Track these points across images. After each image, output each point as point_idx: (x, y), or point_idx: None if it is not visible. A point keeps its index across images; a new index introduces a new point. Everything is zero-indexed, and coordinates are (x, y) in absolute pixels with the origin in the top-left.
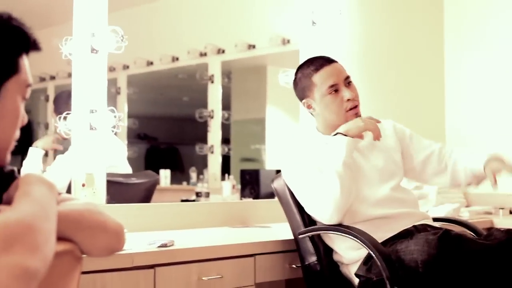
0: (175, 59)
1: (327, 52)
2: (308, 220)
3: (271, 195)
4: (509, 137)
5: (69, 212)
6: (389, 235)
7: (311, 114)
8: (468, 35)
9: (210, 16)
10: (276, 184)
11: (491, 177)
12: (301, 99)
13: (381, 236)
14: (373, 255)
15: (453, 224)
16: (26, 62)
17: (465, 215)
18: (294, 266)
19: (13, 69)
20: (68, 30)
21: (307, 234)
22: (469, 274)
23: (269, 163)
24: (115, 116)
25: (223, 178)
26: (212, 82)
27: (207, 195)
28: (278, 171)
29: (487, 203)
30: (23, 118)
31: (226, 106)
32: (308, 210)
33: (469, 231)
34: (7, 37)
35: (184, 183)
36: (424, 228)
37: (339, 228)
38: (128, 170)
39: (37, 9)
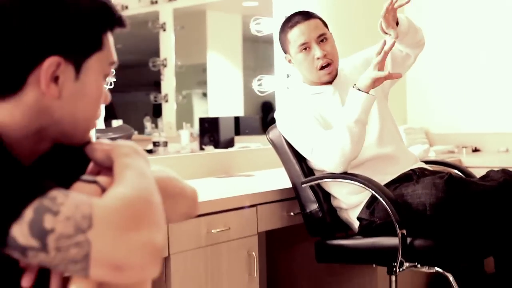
0: (124, 7)
1: None
2: (307, 169)
3: (230, 143)
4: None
5: (156, 181)
6: (389, 179)
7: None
8: None
9: None
10: (272, 135)
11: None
12: (284, 53)
13: (381, 179)
14: (381, 199)
15: (443, 166)
16: (111, 39)
17: (431, 155)
18: (292, 214)
19: (97, 45)
20: None
21: (311, 183)
22: (473, 216)
23: (212, 109)
24: None
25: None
26: (164, 30)
27: (165, 144)
28: (237, 118)
29: (448, 143)
30: (106, 97)
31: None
32: (311, 159)
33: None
34: (92, 13)
35: (135, 132)
36: (422, 171)
37: (346, 176)
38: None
39: None
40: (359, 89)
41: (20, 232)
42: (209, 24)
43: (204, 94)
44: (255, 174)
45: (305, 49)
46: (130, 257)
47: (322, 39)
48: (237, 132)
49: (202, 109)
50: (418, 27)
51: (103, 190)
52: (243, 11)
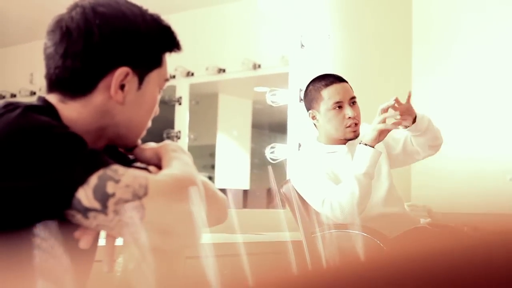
0: None
1: (314, 73)
2: (317, 222)
3: None
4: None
5: None
6: (394, 235)
7: (314, 125)
8: (434, 61)
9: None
10: (285, 190)
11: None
12: (307, 109)
13: (387, 235)
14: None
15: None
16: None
17: None
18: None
19: (158, 62)
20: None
21: (322, 232)
22: None
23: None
24: None
25: None
26: (180, 104)
27: None
28: (245, 191)
29: (450, 221)
30: (156, 109)
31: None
32: (322, 209)
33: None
34: (157, 34)
35: None
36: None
37: (353, 226)
38: None
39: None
40: (366, 144)
41: (85, 195)
42: (221, 107)
43: (210, 178)
44: (266, 234)
45: (338, 107)
46: (176, 223)
47: (353, 101)
48: (244, 205)
49: None
50: (438, 133)
51: None
52: (254, 97)
